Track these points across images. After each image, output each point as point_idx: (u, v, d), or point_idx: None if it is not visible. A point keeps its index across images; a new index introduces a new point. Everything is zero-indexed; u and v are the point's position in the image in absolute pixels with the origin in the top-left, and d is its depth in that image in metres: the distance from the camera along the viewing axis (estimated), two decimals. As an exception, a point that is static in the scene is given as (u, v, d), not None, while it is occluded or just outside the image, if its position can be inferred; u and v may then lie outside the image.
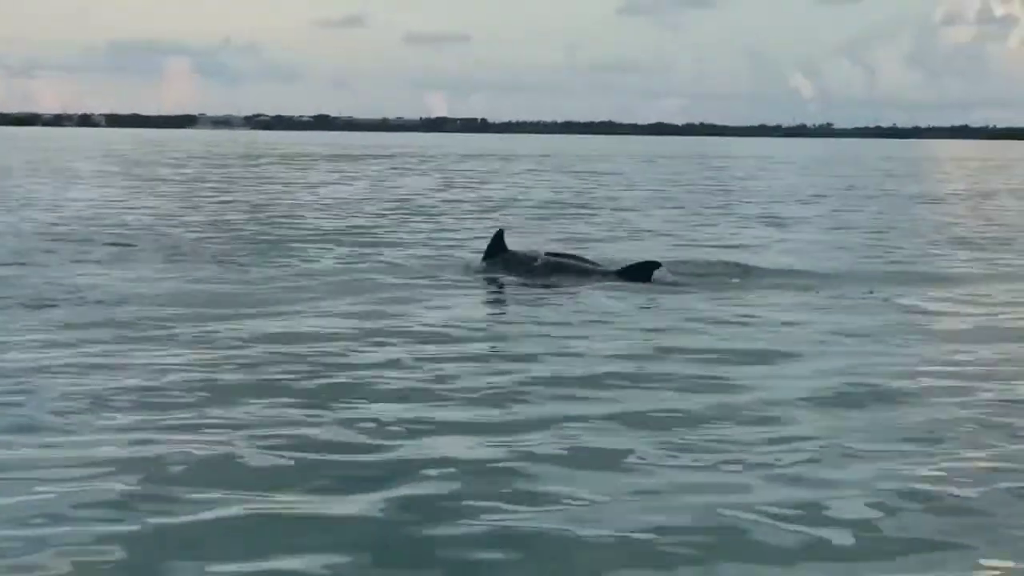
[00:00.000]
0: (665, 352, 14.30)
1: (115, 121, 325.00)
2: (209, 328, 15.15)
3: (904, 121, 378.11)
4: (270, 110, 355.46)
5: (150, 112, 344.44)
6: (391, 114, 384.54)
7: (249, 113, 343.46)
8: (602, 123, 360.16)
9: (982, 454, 10.29)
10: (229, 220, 32.41)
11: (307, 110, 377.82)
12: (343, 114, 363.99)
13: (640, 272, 21.51)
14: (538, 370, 13.18)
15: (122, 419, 10.70)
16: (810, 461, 9.99)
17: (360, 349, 14.14)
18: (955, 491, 9.25)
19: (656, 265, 21.75)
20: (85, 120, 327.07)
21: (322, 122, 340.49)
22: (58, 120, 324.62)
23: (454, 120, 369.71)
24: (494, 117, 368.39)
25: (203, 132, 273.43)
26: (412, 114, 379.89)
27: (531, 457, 9.75)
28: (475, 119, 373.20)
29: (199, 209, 36.91)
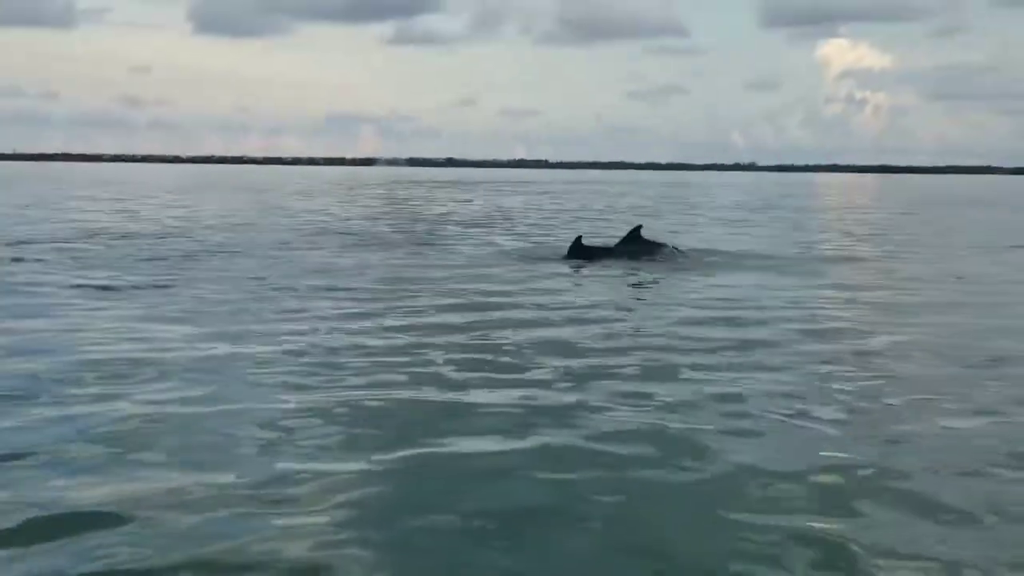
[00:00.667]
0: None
1: (329, 162, 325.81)
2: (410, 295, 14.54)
3: (800, 160, 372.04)
4: (419, 155, 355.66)
5: (346, 155, 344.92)
6: (491, 156, 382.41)
7: (407, 156, 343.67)
8: (616, 162, 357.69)
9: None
10: (405, 222, 32.32)
11: (441, 154, 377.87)
12: (464, 157, 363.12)
13: (632, 236, 20.38)
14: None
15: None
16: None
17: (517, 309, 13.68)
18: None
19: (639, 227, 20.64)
20: (311, 161, 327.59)
21: (451, 162, 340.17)
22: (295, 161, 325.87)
23: (531, 160, 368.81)
24: (555, 159, 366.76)
25: (380, 168, 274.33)
26: (505, 156, 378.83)
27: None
28: (544, 159, 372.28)
29: (387, 215, 37.05)
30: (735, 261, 20.43)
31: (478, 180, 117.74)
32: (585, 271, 18.22)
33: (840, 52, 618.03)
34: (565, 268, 18.62)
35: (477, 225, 31.86)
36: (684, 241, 22.87)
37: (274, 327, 11.41)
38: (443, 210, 42.44)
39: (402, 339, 10.86)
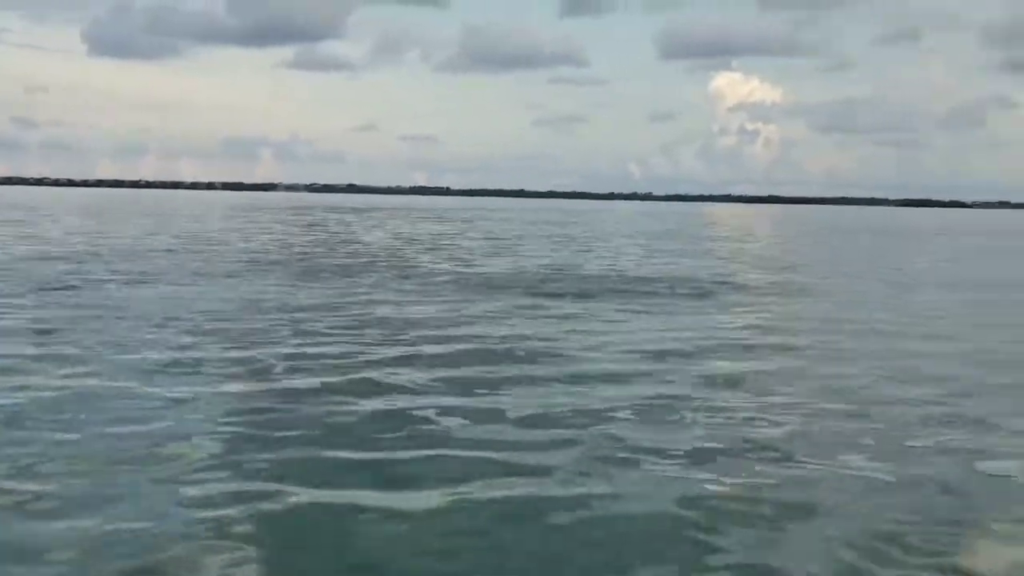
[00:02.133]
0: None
1: (228, 186, 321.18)
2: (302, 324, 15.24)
3: (694, 191, 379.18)
4: (320, 180, 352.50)
5: (245, 180, 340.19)
6: (392, 183, 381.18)
7: (308, 182, 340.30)
8: (518, 190, 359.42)
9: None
10: (307, 247, 32.35)
11: (343, 180, 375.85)
12: (366, 183, 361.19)
13: None
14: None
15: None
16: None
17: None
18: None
19: None
20: (210, 186, 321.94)
21: (353, 188, 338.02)
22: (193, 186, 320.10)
23: (431, 187, 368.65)
24: (457, 186, 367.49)
25: (280, 194, 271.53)
26: (407, 183, 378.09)
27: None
28: (446, 187, 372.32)
29: (292, 239, 36.84)
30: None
31: (377, 206, 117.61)
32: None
33: (733, 85, 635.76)
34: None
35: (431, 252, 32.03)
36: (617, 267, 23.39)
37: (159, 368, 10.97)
38: (370, 238, 42.48)
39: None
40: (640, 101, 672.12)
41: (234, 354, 11.52)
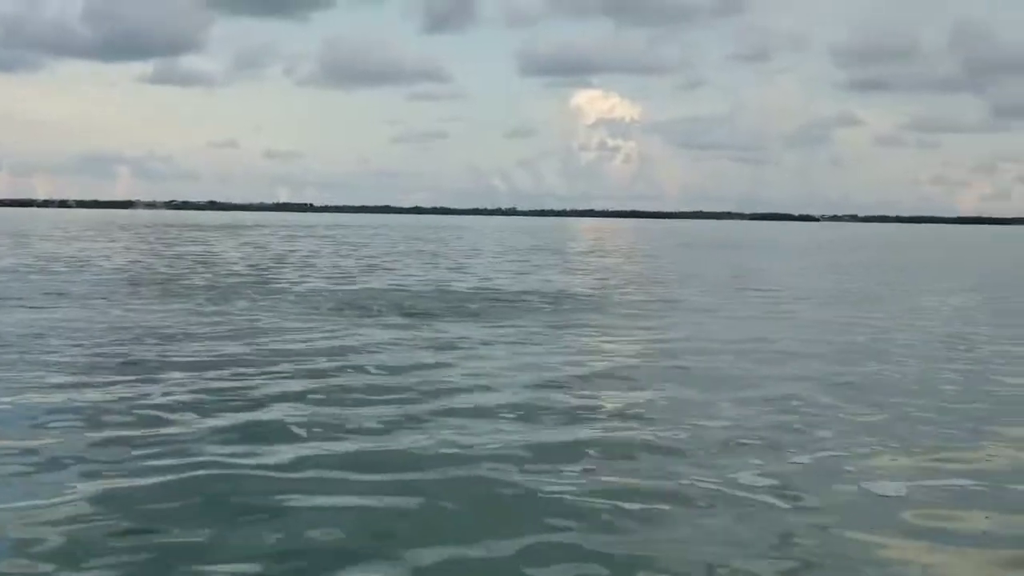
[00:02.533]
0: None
1: (83, 204, 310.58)
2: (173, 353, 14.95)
3: (557, 206, 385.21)
4: (180, 197, 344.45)
5: (101, 197, 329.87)
6: (254, 200, 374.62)
7: (167, 199, 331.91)
8: (382, 206, 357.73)
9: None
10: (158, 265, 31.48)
11: (203, 197, 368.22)
12: (227, 200, 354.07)
13: None
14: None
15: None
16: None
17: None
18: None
19: None
20: (63, 204, 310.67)
21: (213, 205, 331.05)
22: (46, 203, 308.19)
23: (295, 203, 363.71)
24: (320, 202, 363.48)
25: (139, 211, 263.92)
26: (269, 199, 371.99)
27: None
28: (309, 203, 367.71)
29: (155, 258, 35.82)
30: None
31: (260, 223, 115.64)
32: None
33: (593, 102, 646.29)
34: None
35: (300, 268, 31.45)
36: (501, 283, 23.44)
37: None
38: (239, 255, 41.54)
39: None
40: (502, 117, 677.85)
41: (98, 386, 11.06)
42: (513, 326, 17.36)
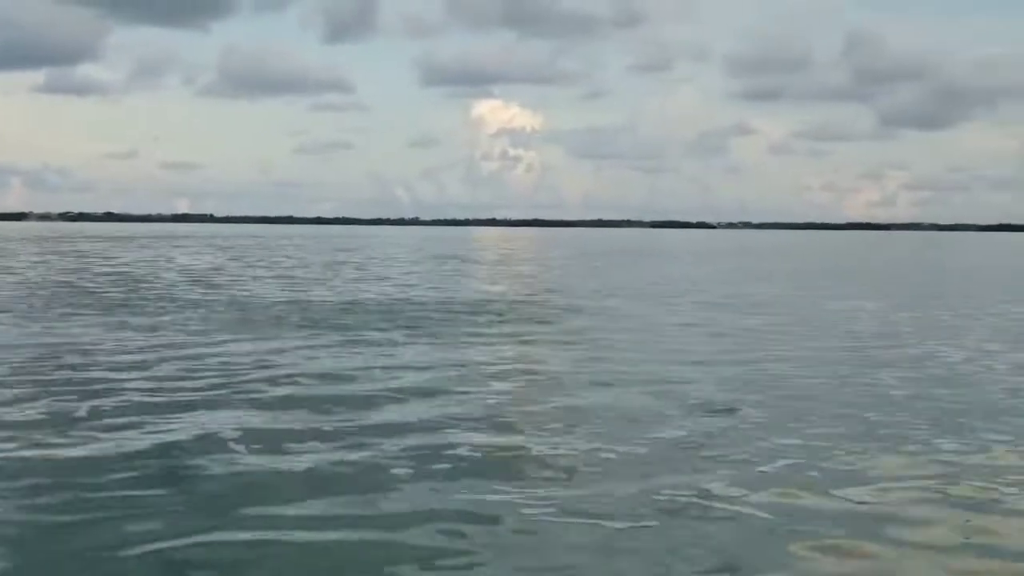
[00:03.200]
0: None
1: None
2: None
3: (460, 215, 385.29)
4: (75, 208, 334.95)
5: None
6: (153, 211, 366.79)
7: (62, 211, 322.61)
8: (284, 217, 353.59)
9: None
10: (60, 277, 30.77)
11: (99, 208, 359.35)
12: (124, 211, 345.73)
13: None
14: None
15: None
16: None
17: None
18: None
19: None
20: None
21: (110, 216, 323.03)
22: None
23: (195, 214, 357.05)
24: (220, 213, 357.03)
25: (32, 223, 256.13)
26: (168, 211, 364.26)
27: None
28: (209, 214, 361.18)
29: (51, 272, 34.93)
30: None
31: (159, 235, 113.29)
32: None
33: (494, 112, 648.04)
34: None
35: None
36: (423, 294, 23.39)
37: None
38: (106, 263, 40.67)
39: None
40: (405, 127, 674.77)
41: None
42: (434, 335, 17.55)
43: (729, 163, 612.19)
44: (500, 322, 20.19)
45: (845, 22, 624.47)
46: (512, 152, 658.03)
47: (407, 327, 18.74)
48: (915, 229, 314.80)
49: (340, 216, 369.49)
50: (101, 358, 14.21)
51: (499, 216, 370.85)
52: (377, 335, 17.49)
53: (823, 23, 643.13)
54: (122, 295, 25.72)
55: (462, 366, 14.00)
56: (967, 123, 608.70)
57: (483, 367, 13.95)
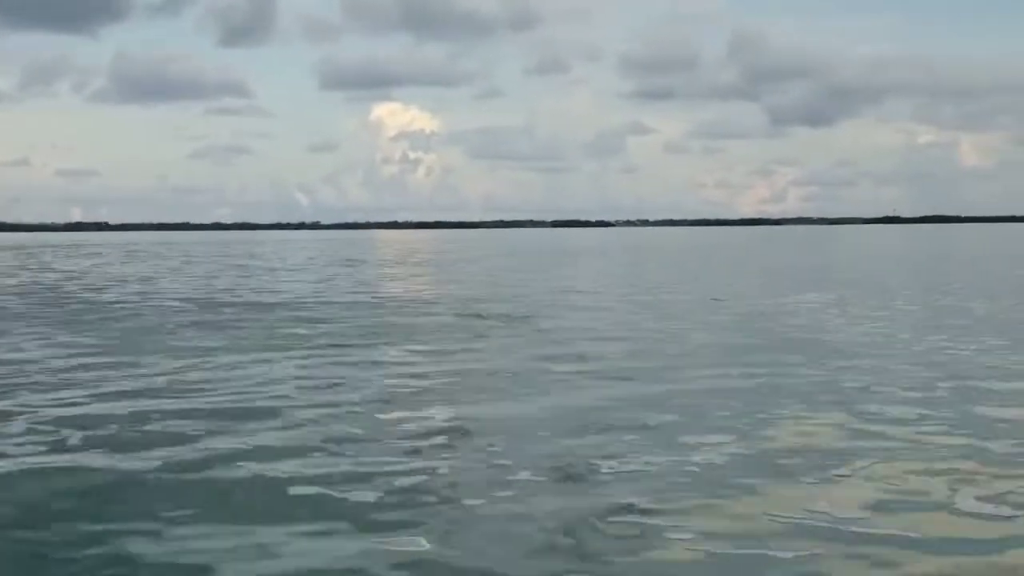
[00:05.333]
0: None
1: None
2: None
3: (362, 218, 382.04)
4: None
5: None
6: (47, 219, 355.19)
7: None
8: (181, 223, 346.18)
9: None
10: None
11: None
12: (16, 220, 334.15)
13: None
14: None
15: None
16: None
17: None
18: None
19: None
20: None
21: (1, 227, 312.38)
22: None
23: (88, 223, 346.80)
24: (115, 220, 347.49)
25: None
26: (62, 219, 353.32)
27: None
28: (104, 221, 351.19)
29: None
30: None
31: (54, 244, 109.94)
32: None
33: (394, 115, 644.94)
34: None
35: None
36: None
37: None
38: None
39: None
40: (304, 130, 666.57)
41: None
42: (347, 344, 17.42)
43: (626, 162, 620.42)
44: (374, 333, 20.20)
45: (733, 22, 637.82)
46: (412, 155, 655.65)
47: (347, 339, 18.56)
48: (805, 223, 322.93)
49: (239, 221, 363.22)
50: None
51: (401, 219, 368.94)
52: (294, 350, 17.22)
53: (713, 24, 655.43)
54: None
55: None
56: (853, 120, 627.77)
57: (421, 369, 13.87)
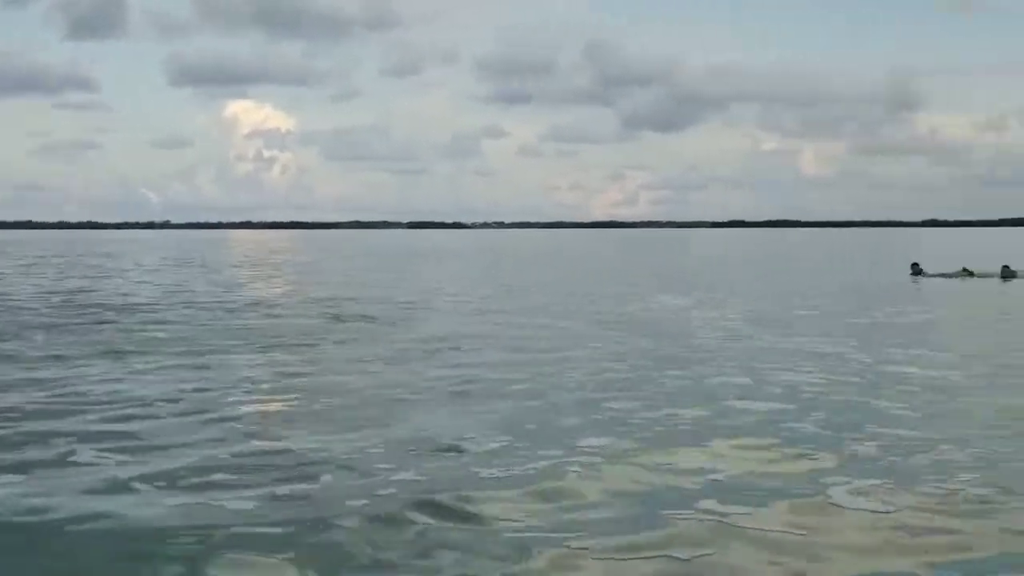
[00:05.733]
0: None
1: None
2: None
3: (214, 218, 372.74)
4: None
5: None
6: None
7: None
8: (24, 221, 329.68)
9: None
10: None
11: None
12: None
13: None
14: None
15: None
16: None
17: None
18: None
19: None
20: None
21: None
22: None
23: None
24: None
25: None
26: None
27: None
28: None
29: None
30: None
31: None
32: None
33: (248, 113, 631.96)
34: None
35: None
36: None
37: None
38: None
39: None
40: (153, 127, 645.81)
41: None
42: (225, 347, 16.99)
43: (481, 164, 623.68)
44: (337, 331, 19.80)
45: (586, 27, 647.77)
46: (267, 153, 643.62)
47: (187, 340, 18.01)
48: (655, 227, 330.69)
49: (86, 220, 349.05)
50: None
51: (255, 219, 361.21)
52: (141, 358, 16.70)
53: (567, 29, 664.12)
54: None
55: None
56: (701, 125, 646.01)
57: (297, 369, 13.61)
